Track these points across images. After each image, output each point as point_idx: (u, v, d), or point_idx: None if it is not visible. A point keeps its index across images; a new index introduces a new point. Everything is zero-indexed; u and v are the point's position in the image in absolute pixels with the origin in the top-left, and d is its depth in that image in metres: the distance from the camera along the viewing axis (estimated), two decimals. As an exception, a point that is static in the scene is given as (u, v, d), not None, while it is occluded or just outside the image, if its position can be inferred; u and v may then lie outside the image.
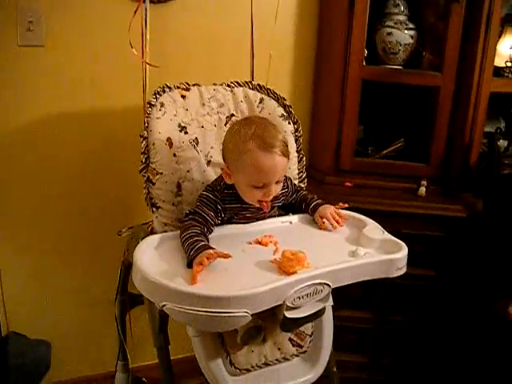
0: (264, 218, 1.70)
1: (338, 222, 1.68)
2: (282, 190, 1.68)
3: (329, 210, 1.70)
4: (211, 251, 1.37)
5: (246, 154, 1.51)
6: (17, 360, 0.98)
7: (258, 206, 1.59)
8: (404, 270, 1.53)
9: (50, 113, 2.05)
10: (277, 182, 1.56)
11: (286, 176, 1.71)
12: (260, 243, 1.56)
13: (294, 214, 1.78)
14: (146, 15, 1.92)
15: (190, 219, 1.54)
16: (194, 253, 1.39)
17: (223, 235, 1.59)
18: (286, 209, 1.81)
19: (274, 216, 1.75)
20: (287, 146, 1.58)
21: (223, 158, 1.62)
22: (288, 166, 1.80)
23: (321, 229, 1.69)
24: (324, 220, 1.69)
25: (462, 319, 2.23)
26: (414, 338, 2.33)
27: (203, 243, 1.42)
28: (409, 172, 2.32)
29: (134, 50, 1.91)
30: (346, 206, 1.72)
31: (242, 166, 1.53)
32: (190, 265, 1.38)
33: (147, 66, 1.93)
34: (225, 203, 1.60)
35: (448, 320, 2.27)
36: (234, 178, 1.57)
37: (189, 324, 1.39)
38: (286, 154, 1.55)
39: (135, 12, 1.90)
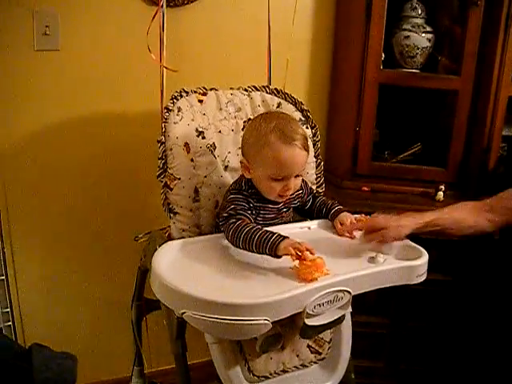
0: (282, 220, 1.69)
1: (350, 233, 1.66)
2: (298, 190, 1.67)
3: (350, 218, 1.68)
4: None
5: (266, 147, 1.51)
6: (42, 374, 0.97)
7: (277, 200, 1.60)
8: (424, 277, 1.52)
9: (66, 116, 2.05)
10: (296, 177, 1.56)
11: (303, 180, 1.70)
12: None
13: (311, 219, 1.77)
14: (163, 19, 1.91)
15: (235, 220, 1.51)
16: (275, 239, 1.40)
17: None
18: (303, 214, 1.80)
19: (290, 221, 1.74)
20: (307, 140, 1.58)
21: (242, 152, 1.62)
22: (306, 169, 1.80)
23: (339, 235, 1.68)
24: (343, 227, 1.67)
25: (479, 325, 2.21)
26: (431, 344, 2.32)
27: (276, 233, 1.43)
28: (426, 176, 2.31)
29: (153, 54, 1.90)
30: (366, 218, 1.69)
31: (262, 159, 1.52)
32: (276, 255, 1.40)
33: (164, 70, 1.92)
34: (253, 201, 1.60)
35: (464, 326, 2.25)
36: (253, 171, 1.57)
37: (208, 332, 1.39)
38: (306, 148, 1.55)
39: (154, 17, 1.89)
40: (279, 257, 1.40)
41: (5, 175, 1.99)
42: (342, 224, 1.67)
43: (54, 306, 2.19)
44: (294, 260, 1.37)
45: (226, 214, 1.55)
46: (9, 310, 2.10)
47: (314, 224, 1.73)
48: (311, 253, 1.38)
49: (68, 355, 1.06)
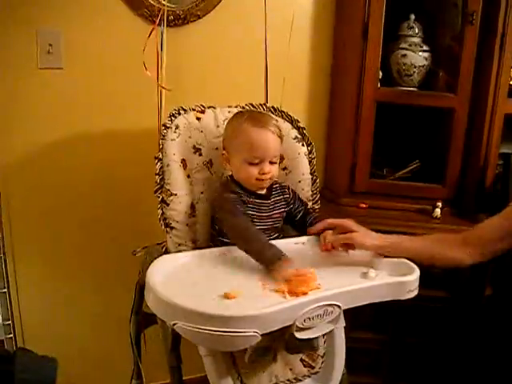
0: (274, 221, 1.73)
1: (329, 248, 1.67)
2: (284, 194, 1.76)
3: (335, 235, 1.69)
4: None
5: (241, 133, 1.64)
6: (22, 375, 1.00)
7: (257, 186, 1.67)
8: (415, 293, 1.53)
9: (66, 134, 2.08)
10: (272, 163, 1.65)
11: (290, 187, 1.80)
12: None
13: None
14: (162, 38, 1.96)
15: (238, 219, 1.59)
16: (274, 254, 1.48)
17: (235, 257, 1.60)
18: (297, 228, 1.83)
19: (281, 223, 1.77)
20: (281, 131, 1.70)
21: (222, 146, 1.71)
22: (302, 186, 1.84)
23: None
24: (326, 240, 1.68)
25: (478, 342, 2.21)
26: (429, 361, 2.31)
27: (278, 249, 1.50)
28: (424, 193, 2.32)
29: (149, 72, 1.94)
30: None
31: (238, 145, 1.64)
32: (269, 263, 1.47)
33: (162, 89, 1.97)
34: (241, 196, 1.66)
35: (463, 342, 2.25)
36: (232, 161, 1.67)
37: (199, 343, 1.41)
38: (279, 135, 1.67)
39: (149, 35, 1.94)
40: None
41: (7, 190, 2.03)
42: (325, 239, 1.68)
43: (55, 319, 2.21)
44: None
45: (228, 214, 1.61)
46: (10, 322, 2.13)
47: (308, 239, 1.75)
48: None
49: (49, 358, 1.09)
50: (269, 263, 1.47)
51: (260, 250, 1.50)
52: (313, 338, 1.44)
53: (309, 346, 1.52)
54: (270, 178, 1.68)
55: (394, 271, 1.55)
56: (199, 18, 2.15)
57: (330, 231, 1.67)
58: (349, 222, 1.65)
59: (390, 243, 1.63)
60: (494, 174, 2.28)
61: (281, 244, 1.67)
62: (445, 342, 2.28)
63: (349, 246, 1.64)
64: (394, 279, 1.50)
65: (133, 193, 2.19)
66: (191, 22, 2.13)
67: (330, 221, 1.68)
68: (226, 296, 1.35)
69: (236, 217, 1.59)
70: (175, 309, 1.29)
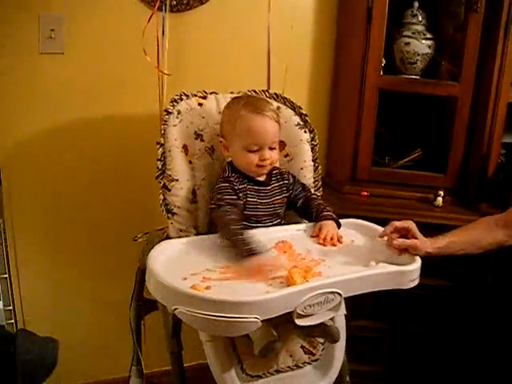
0: (276, 207, 1.72)
1: (325, 242, 1.64)
2: (284, 180, 1.76)
3: (332, 230, 1.67)
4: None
5: (239, 120, 1.63)
6: (23, 356, 1.00)
7: (257, 172, 1.67)
8: (416, 282, 1.53)
9: (67, 119, 2.08)
10: (271, 149, 1.65)
11: (290, 172, 1.80)
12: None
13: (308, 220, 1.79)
14: (163, 24, 1.95)
15: (222, 210, 1.57)
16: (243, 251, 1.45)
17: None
18: (299, 214, 1.82)
19: (283, 208, 1.77)
20: (278, 115, 1.70)
21: (220, 133, 1.71)
22: (303, 173, 1.84)
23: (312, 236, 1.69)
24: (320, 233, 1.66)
25: (479, 330, 2.21)
26: (430, 349, 2.32)
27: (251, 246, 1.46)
28: (426, 182, 2.32)
29: (149, 57, 1.94)
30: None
31: (236, 133, 1.63)
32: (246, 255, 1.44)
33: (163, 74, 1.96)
34: (238, 184, 1.66)
35: (464, 331, 2.25)
36: (231, 148, 1.67)
37: (199, 328, 1.40)
38: (277, 120, 1.67)
39: (149, 20, 1.95)
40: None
41: (9, 175, 2.02)
42: (320, 230, 1.67)
43: (55, 305, 2.22)
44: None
45: (214, 205, 1.61)
46: (11, 307, 2.13)
47: (310, 226, 1.74)
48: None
49: (50, 339, 1.09)
50: (239, 257, 1.45)
51: (238, 249, 1.48)
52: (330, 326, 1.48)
53: (329, 335, 1.52)
54: (271, 164, 1.68)
55: (396, 260, 1.55)
56: (202, 3, 2.14)
57: (396, 234, 1.63)
58: (412, 226, 1.63)
59: (444, 245, 1.67)
60: (496, 164, 2.27)
61: (283, 230, 1.70)
62: (446, 330, 2.29)
63: (405, 250, 1.62)
64: (396, 268, 1.49)
65: (134, 178, 2.19)
66: (194, 7, 2.12)
67: (397, 224, 1.66)
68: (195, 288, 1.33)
69: (220, 208, 1.58)
70: (176, 294, 1.29)
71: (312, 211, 1.75)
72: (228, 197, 1.61)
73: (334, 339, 1.55)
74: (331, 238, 1.63)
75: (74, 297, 2.24)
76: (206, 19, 2.17)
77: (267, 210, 1.71)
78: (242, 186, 1.66)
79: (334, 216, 1.72)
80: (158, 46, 1.95)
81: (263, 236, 1.60)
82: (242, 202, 1.64)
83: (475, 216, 2.16)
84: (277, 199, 1.73)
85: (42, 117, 2.04)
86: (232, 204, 1.60)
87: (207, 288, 1.33)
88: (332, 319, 1.53)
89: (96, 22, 2.03)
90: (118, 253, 2.22)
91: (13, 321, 2.15)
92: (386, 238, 1.63)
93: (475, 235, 1.74)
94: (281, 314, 1.30)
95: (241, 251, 1.45)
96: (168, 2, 1.97)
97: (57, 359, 1.05)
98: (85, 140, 2.12)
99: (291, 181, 1.78)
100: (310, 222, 1.76)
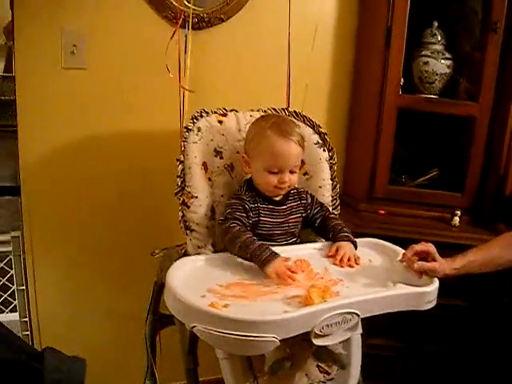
0: (290, 225, 1.73)
1: (342, 263, 1.63)
2: (302, 200, 1.76)
3: (349, 251, 1.66)
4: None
5: (264, 140, 1.63)
6: (52, 375, 1.02)
7: (275, 193, 1.68)
8: (434, 303, 1.53)
9: (87, 134, 2.10)
10: (292, 173, 1.66)
11: (308, 192, 1.80)
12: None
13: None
14: (186, 41, 1.97)
15: (231, 225, 1.59)
16: (265, 259, 1.49)
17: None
18: (317, 232, 1.83)
19: (298, 228, 1.77)
20: (303, 139, 1.70)
21: (244, 148, 1.72)
22: (322, 192, 1.84)
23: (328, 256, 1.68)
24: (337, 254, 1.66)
25: (494, 352, 2.20)
26: (445, 369, 2.30)
27: (270, 250, 1.52)
28: (443, 201, 2.31)
29: (171, 74, 1.96)
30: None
31: (259, 152, 1.64)
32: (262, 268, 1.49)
33: (185, 90, 1.97)
34: (249, 203, 1.67)
35: (480, 352, 2.24)
36: (252, 165, 1.67)
37: (217, 346, 1.41)
38: (301, 145, 1.67)
39: (172, 37, 1.97)
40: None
41: (29, 189, 2.05)
42: (337, 251, 1.66)
43: (71, 317, 2.23)
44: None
45: (222, 218, 1.64)
46: (27, 319, 2.15)
47: (327, 246, 1.74)
48: (294, 272, 1.47)
49: (78, 359, 1.10)
50: (262, 266, 1.49)
51: (253, 257, 1.51)
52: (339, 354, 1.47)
53: (338, 362, 1.52)
54: (289, 187, 1.69)
55: (414, 281, 1.54)
56: (223, 21, 2.16)
57: (416, 257, 1.61)
58: (431, 249, 1.63)
59: (462, 265, 1.67)
60: (514, 183, 2.26)
61: (300, 249, 1.70)
62: (460, 350, 2.27)
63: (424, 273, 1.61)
64: (413, 289, 1.49)
65: (153, 194, 2.20)
66: (215, 25, 2.15)
67: (417, 247, 1.66)
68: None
69: (228, 222, 1.60)
70: (195, 311, 1.30)
71: (329, 231, 1.75)
72: (238, 213, 1.62)
73: (342, 366, 1.55)
74: (348, 260, 1.63)
75: (90, 310, 2.25)
76: (226, 37, 2.19)
77: (281, 229, 1.71)
78: (255, 205, 1.67)
79: (351, 237, 1.71)
80: (179, 63, 1.97)
81: (281, 254, 1.61)
82: (251, 222, 1.65)
83: (492, 236, 2.15)
84: (292, 218, 1.74)
85: (63, 131, 2.06)
86: (240, 220, 1.61)
87: (225, 306, 1.33)
88: (345, 345, 1.54)
89: (118, 39, 2.06)
90: (135, 267, 2.23)
91: (28, 332, 2.17)
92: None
93: (494, 253, 1.73)
94: (298, 333, 1.31)
95: (260, 260, 1.48)
96: (190, 20, 1.99)
97: (84, 378, 1.06)
98: (105, 155, 2.14)
99: (309, 201, 1.78)
100: (327, 241, 1.76)
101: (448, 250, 2.14)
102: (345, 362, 1.52)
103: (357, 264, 1.63)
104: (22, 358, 1.09)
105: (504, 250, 1.73)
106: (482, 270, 1.70)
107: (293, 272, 1.47)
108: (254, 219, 1.66)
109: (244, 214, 1.63)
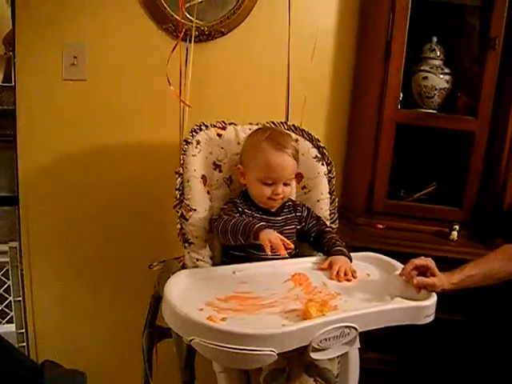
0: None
1: (339, 277, 1.63)
2: (297, 212, 1.78)
3: (344, 264, 1.66)
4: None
5: (260, 152, 1.66)
6: (52, 389, 1.02)
7: (268, 204, 1.70)
8: (432, 318, 1.52)
9: (87, 145, 2.12)
10: (285, 185, 1.68)
11: (304, 205, 1.81)
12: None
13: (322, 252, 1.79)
14: (187, 54, 1.98)
15: (223, 218, 1.62)
16: (258, 227, 1.52)
17: (258, 273, 1.61)
18: (312, 246, 1.83)
19: (293, 240, 1.75)
20: (298, 152, 1.73)
21: (240, 159, 1.74)
22: (320, 205, 1.85)
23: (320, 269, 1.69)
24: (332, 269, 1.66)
25: (493, 366, 2.19)
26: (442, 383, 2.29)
27: (260, 223, 1.56)
28: (441, 216, 2.31)
29: (172, 86, 1.97)
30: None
31: (255, 163, 1.67)
32: (255, 236, 1.51)
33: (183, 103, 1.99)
34: (244, 209, 1.69)
35: (479, 366, 2.23)
36: (247, 176, 1.70)
37: (215, 360, 1.41)
38: (295, 158, 1.70)
39: (173, 49, 1.97)
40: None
41: (27, 199, 2.06)
42: (330, 266, 1.66)
43: (67, 330, 2.23)
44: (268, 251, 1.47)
45: (216, 217, 1.66)
46: (24, 331, 2.14)
47: (323, 259, 1.73)
48: (287, 247, 1.50)
49: (78, 372, 1.10)
50: (254, 235, 1.51)
51: (245, 230, 1.53)
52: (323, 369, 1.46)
53: (327, 379, 1.50)
54: (282, 199, 1.70)
55: (412, 295, 1.54)
56: (223, 34, 2.17)
57: (415, 272, 1.61)
58: (430, 264, 1.63)
59: (460, 280, 1.68)
60: (512, 198, 2.27)
61: (298, 263, 1.70)
62: (458, 364, 2.26)
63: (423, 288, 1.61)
64: (412, 304, 1.49)
65: (151, 206, 2.21)
66: (215, 38, 2.16)
67: (417, 262, 1.66)
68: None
69: (220, 219, 1.63)
70: (193, 325, 1.29)
71: (324, 245, 1.76)
72: (231, 212, 1.65)
73: (328, 382, 1.54)
74: (345, 274, 1.63)
75: (87, 321, 2.25)
76: (226, 50, 2.20)
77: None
78: (249, 212, 1.69)
79: (344, 251, 1.71)
80: (180, 75, 1.97)
81: (279, 268, 1.63)
82: None
83: (489, 250, 2.16)
84: (286, 229, 1.75)
85: (62, 142, 2.07)
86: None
87: (223, 319, 1.33)
88: (342, 360, 1.56)
89: (118, 51, 2.08)
90: (132, 279, 2.23)
91: (25, 343, 2.16)
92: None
93: (492, 267, 1.74)
94: (296, 347, 1.30)
95: (253, 230, 1.51)
96: (193, 33, 2.00)
97: (85, 393, 1.05)
98: (104, 166, 2.14)
99: (305, 214, 1.80)
100: (324, 255, 1.76)
101: (446, 264, 2.14)
102: (329, 376, 1.51)
103: (354, 277, 1.63)
104: (23, 371, 1.08)
105: (501, 263, 1.74)
106: (482, 284, 1.70)
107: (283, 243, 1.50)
108: None
109: (237, 214, 1.65)
